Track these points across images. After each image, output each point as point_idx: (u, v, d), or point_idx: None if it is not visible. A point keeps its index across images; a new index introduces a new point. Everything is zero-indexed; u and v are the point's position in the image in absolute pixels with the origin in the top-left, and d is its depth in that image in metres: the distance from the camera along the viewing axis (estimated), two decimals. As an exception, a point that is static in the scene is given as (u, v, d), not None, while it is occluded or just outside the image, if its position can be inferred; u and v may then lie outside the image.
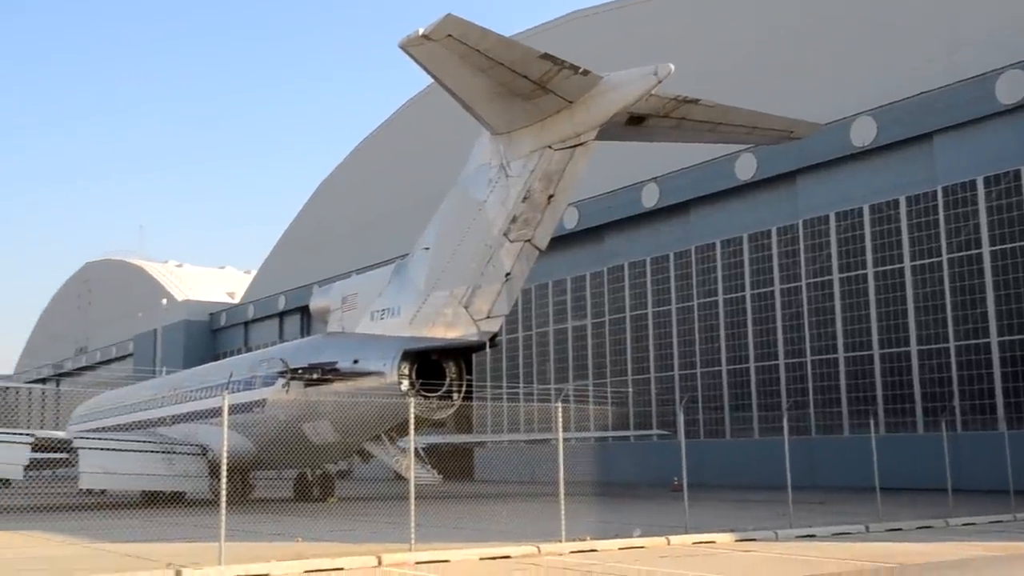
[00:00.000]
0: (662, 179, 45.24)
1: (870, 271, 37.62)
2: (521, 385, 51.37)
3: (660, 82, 21.16)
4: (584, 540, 18.10)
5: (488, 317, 26.31)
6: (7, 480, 32.35)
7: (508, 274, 25.63)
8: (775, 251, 41.31)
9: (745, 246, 42.60)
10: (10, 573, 14.04)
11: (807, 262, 39.94)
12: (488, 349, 28.67)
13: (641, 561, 16.07)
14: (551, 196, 24.67)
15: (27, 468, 30.76)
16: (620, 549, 17.89)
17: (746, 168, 41.60)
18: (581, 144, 23.49)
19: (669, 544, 18.56)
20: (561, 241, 41.95)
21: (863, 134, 37.50)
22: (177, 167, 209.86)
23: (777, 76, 41.97)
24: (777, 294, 41.03)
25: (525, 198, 24.69)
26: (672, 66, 20.90)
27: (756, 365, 41.61)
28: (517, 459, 46.83)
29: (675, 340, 45.24)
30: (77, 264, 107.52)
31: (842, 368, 38.30)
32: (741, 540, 19.19)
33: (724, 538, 19.22)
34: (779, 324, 40.86)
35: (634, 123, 23.02)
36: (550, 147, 23.77)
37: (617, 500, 31.75)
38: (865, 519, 21.94)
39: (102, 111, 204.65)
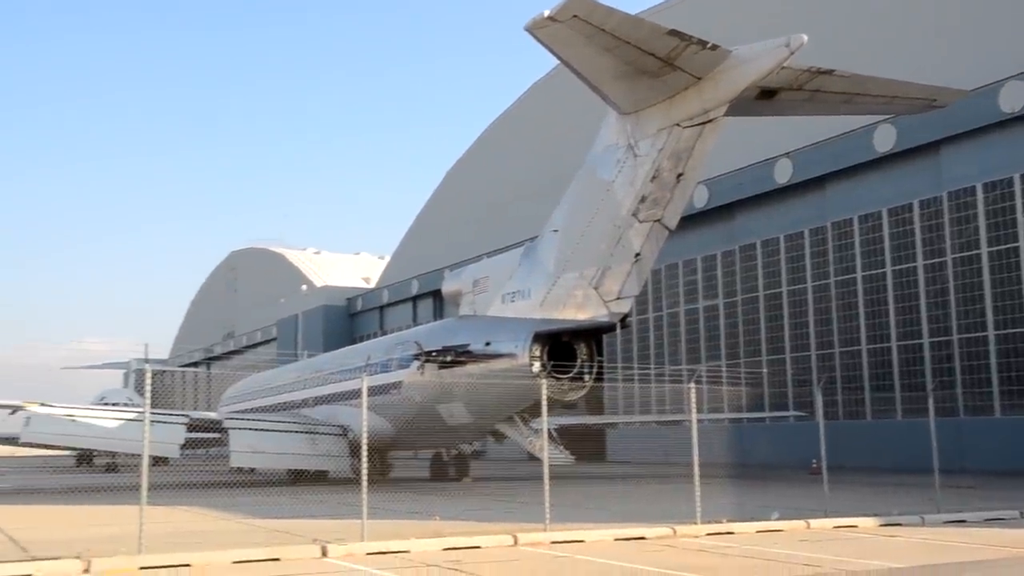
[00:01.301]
0: (795, 154, 43.92)
1: (1023, 243, 35.59)
2: (652, 366, 50.94)
3: (792, 54, 20.54)
4: (720, 522, 17.89)
5: (618, 298, 26.21)
6: (165, 458, 34.26)
7: (638, 254, 25.47)
8: (917, 225, 39.55)
9: (885, 221, 40.94)
10: (172, 547, 14.94)
11: (952, 236, 38.09)
12: (619, 330, 28.58)
13: (780, 544, 15.79)
14: (680, 175, 24.35)
15: (183, 447, 32.54)
16: (758, 532, 17.61)
17: (885, 140, 39.91)
18: (710, 121, 23.06)
19: (809, 528, 18.16)
20: (691, 220, 41.31)
21: (1013, 99, 35.38)
22: (315, 158, 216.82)
23: (914, 41, 40.05)
24: (920, 270, 39.30)
25: (654, 177, 24.44)
26: (805, 37, 20.28)
27: (898, 344, 40.02)
28: (649, 441, 46.55)
29: (811, 319, 43.96)
30: (223, 253, 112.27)
31: (992, 346, 36.42)
32: (885, 525, 18.58)
33: (867, 522, 18.65)
34: (923, 301, 39.15)
35: (765, 97, 22.41)
36: (678, 125, 23.44)
37: (753, 483, 31.19)
38: (1021, 505, 20.87)
39: (244, 108, 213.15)
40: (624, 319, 26.83)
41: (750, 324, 46.98)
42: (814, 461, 29.68)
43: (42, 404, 32.11)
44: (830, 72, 21.44)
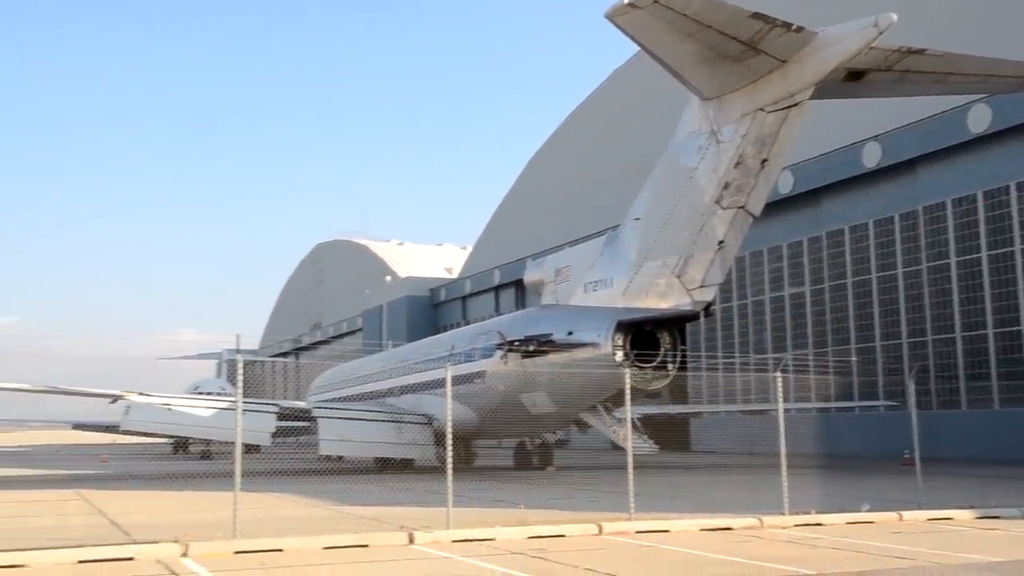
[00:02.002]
0: (884, 137, 42.70)
1: None
2: (737, 355, 50.27)
3: (880, 34, 19.97)
4: (809, 513, 17.61)
5: (701, 286, 25.94)
6: (257, 446, 35.18)
7: (721, 242, 25.15)
8: (1015, 208, 38.05)
9: (980, 204, 39.51)
10: (265, 532, 15.37)
11: (1053, 218, 36.60)
12: (702, 319, 28.30)
13: (872, 537, 15.46)
14: (764, 160, 23.94)
15: (273, 435, 33.40)
16: (848, 524, 17.28)
17: (979, 120, 38.49)
18: (795, 105, 22.58)
19: (902, 520, 17.74)
20: (776, 206, 40.56)
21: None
22: (396, 150, 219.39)
23: (1008, 16, 38.51)
24: (1019, 254, 37.82)
25: (737, 164, 24.08)
26: (894, 16, 19.68)
27: (995, 331, 38.65)
28: (734, 430, 45.98)
29: (902, 306, 42.77)
30: (310, 246, 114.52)
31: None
32: (982, 518, 18.02)
33: (963, 515, 18.12)
34: (1021, 287, 37.72)
35: (853, 79, 21.84)
36: (762, 110, 23.03)
37: (842, 473, 30.57)
38: None
39: (326, 102, 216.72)
40: (708, 307, 26.53)
41: (838, 312, 45.95)
42: (906, 452, 28.96)
43: (140, 394, 33.30)
44: (921, 52, 20.75)
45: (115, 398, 33.56)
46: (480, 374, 33.10)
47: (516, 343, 30.56)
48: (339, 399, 47.04)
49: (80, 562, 12.96)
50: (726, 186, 24.43)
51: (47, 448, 67.73)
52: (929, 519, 17.76)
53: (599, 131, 65.20)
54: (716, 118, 24.20)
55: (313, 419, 35.01)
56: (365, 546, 14.45)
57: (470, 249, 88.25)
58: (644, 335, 27.61)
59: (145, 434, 42.95)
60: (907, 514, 17.98)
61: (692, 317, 27.25)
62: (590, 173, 64.64)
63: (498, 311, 69.03)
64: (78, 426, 59.71)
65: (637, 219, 27.93)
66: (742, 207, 24.63)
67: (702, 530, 16.44)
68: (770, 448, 19.00)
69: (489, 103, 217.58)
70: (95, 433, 58.11)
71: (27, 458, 49.88)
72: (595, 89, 67.85)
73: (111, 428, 47.19)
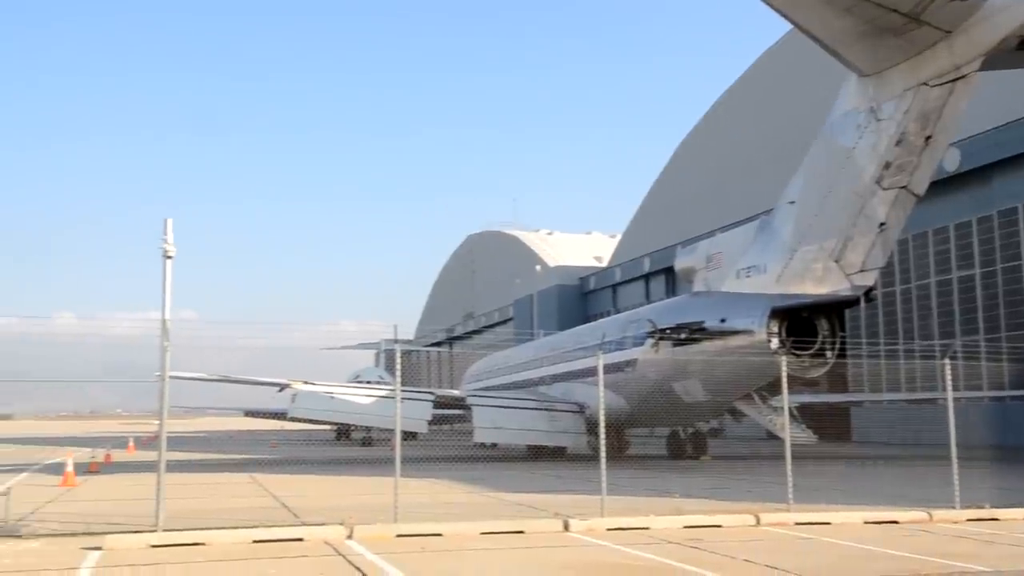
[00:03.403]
0: (1062, 107, 39.83)
1: None
2: (901, 341, 48.06)
3: (1057, -2, 18.69)
4: (983, 508, 16.74)
5: (861, 271, 25.03)
6: (415, 433, 36.19)
7: (882, 224, 24.16)
8: None
9: None
10: (424, 516, 15.87)
11: None
12: (863, 304, 27.33)
13: (1052, 533, 14.58)
14: (928, 137, 22.79)
15: (430, 423, 34.30)
16: (1026, 519, 16.34)
17: None
18: (962, 77, 21.37)
19: (1089, 516, 16.62)
20: (941, 185, 38.48)
21: None
22: (545, 141, 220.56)
23: None
24: None
25: (899, 142, 23.03)
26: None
27: None
28: (898, 420, 44.06)
29: (1086, 288, 39.87)
30: (461, 238, 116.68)
31: None
32: None
33: None
34: None
35: (1027, 47, 20.53)
36: (926, 84, 21.91)
37: (1019, 467, 28.86)
38: None
39: (479, 98, 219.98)
40: (868, 292, 25.58)
41: (1012, 295, 43.21)
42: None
43: (306, 382, 34.84)
44: (1104, 14, 19.28)
45: (282, 386, 35.23)
46: (631, 362, 32.97)
47: (667, 331, 30.30)
48: (492, 387, 47.79)
49: (255, 542, 13.73)
50: (887, 165, 23.42)
51: (222, 434, 71.84)
52: (1119, 516, 16.57)
53: (750, 113, 63.56)
54: (875, 95, 23.25)
55: (468, 407, 35.74)
56: (521, 532, 14.70)
57: (619, 237, 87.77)
58: (801, 322, 26.91)
59: (310, 421, 44.86)
60: (1094, 510, 16.84)
61: (852, 303, 26.34)
62: (742, 157, 63.13)
63: (648, 299, 68.41)
64: (249, 413, 62.94)
65: (792, 202, 27.19)
66: (904, 187, 23.56)
67: (866, 523, 15.90)
68: (937, 438, 18.16)
69: (637, 90, 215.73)
70: (264, 420, 61.13)
71: (204, 443, 53.08)
72: (746, 70, 66.16)
73: (279, 415, 49.48)
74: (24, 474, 29.07)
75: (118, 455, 38.98)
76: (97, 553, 12.77)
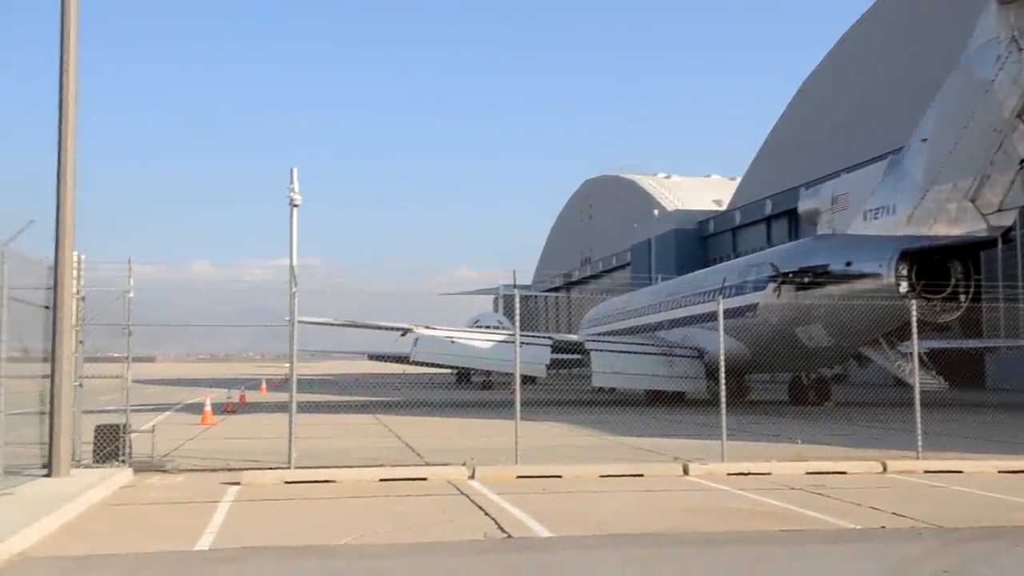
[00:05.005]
0: None
1: None
2: (1041, 284, 45.65)
3: None
4: None
5: (999, 210, 23.93)
6: (533, 377, 36.62)
7: (1023, 161, 22.93)
8: None
9: None
10: (543, 459, 16.14)
11: None
12: (1000, 245, 26.11)
13: None
14: (1077, 66, 21.40)
15: (548, 367, 34.60)
16: None
17: None
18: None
19: None
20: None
21: None
22: (663, 84, 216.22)
23: None
24: None
25: (1043, 72, 21.70)
26: None
27: None
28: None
29: None
30: (578, 182, 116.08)
31: None
32: None
33: None
34: None
35: None
36: (1074, 9, 20.53)
37: None
38: None
39: (598, 41, 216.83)
40: (1007, 233, 24.48)
41: None
42: None
43: (427, 327, 35.60)
44: None
45: (404, 331, 36.10)
46: (752, 307, 32.42)
47: (790, 275, 29.66)
48: (610, 332, 47.79)
49: (381, 480, 14.25)
50: (1029, 98, 22.13)
51: (347, 377, 74.24)
52: None
53: (877, 49, 60.60)
54: (1018, 23, 21.96)
55: (586, 352, 35.89)
56: (640, 475, 14.79)
57: (739, 180, 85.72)
58: (932, 264, 25.97)
59: (432, 364, 45.87)
60: None
61: (988, 244, 25.27)
62: (868, 94, 60.43)
63: (770, 243, 66.75)
64: (373, 356, 64.71)
65: (924, 140, 26.06)
66: (1048, 120, 22.25)
67: (1000, 472, 15.34)
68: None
69: (757, 29, 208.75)
70: (387, 363, 62.82)
71: (331, 385, 54.93)
72: (874, 3, 63.00)
73: (402, 359, 50.76)
74: (167, 413, 30.84)
75: (252, 396, 40.90)
76: (236, 488, 13.51)
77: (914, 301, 19.32)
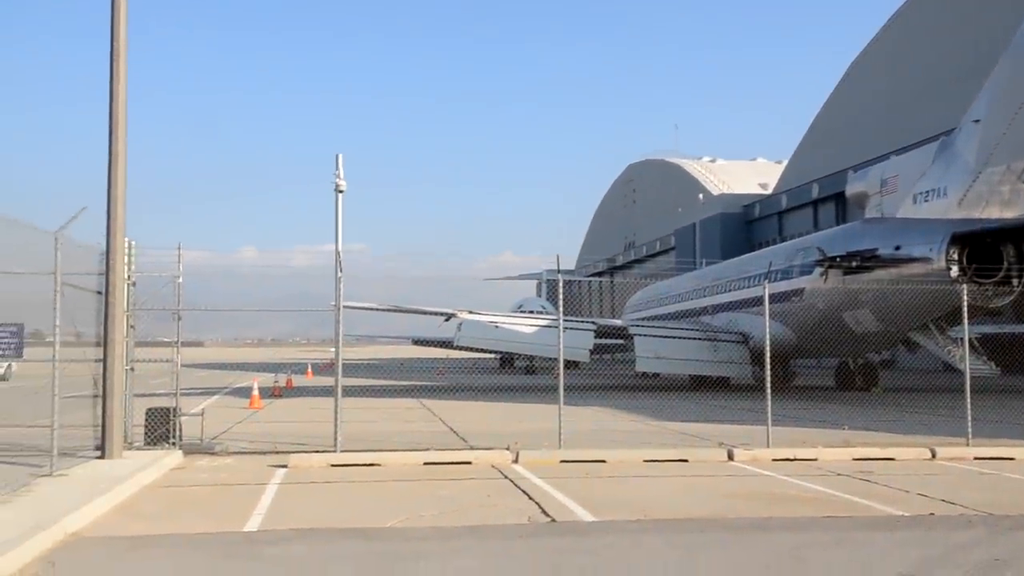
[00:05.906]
0: None
1: None
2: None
3: None
4: None
5: (1055, 192, 23.34)
6: (576, 362, 36.59)
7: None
8: None
9: None
10: (587, 443, 16.16)
11: None
12: (1055, 229, 25.52)
13: None
14: None
15: (592, 352, 34.54)
16: None
17: None
18: None
19: None
20: None
21: None
22: (707, 67, 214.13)
23: None
24: None
25: (1101, 51, 21.13)
26: None
27: None
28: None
29: None
30: (621, 167, 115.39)
31: None
32: None
33: None
34: None
35: None
36: None
37: None
38: None
39: (638, 25, 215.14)
40: (1062, 216, 23.85)
41: None
42: None
43: (470, 312, 35.72)
44: None
45: (448, 316, 36.26)
46: (798, 292, 32.08)
47: (837, 259, 29.28)
48: (654, 317, 47.59)
49: (425, 464, 14.36)
50: (1086, 77, 21.57)
51: (392, 361, 74.84)
52: None
53: (928, 29, 59.35)
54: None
55: (629, 337, 35.77)
56: (684, 461, 14.75)
57: (785, 163, 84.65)
58: (984, 248, 25.48)
59: (475, 349, 46.04)
60: None
61: (1043, 227, 24.67)
62: (918, 75, 59.25)
63: (816, 227, 65.88)
64: (417, 341, 65.19)
65: (976, 121, 25.53)
66: (1107, 100, 21.68)
67: (1053, 460, 15.05)
68: None
69: (804, 9, 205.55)
70: (431, 348, 63.17)
71: (376, 370, 55.43)
72: (926, -18, 61.64)
73: (446, 343, 51.00)
74: (215, 397, 31.34)
75: (298, 380, 41.39)
76: (283, 470, 13.70)
77: (965, 285, 19.01)
